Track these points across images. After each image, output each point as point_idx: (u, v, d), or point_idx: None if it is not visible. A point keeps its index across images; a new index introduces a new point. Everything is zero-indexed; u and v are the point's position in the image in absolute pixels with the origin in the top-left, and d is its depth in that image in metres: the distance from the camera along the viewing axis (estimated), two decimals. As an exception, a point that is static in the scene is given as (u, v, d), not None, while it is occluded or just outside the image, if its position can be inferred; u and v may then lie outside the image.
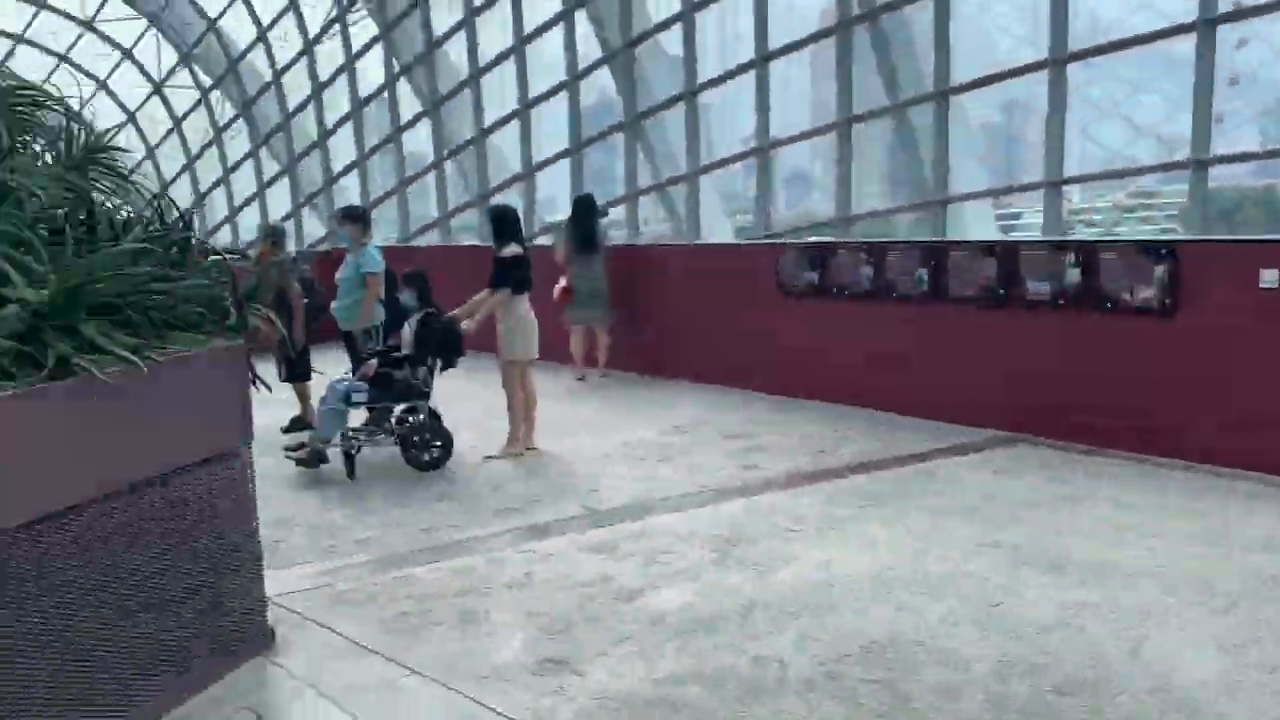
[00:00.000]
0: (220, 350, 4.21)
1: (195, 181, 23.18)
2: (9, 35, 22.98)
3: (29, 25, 23.07)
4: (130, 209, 4.94)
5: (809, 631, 4.41)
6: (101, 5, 22.50)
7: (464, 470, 7.40)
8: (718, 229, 12.65)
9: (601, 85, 14.62)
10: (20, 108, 5.14)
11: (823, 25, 11.28)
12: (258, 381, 4.56)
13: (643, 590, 4.92)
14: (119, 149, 5.41)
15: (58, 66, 23.40)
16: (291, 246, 17.07)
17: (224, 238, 22.37)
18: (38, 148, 5.16)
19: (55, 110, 5.42)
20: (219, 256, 4.64)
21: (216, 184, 22.59)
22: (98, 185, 5.10)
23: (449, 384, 8.04)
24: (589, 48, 13.83)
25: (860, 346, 8.98)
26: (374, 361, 7.58)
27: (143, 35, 22.75)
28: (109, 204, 4.93)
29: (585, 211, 10.99)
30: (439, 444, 7.47)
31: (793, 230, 12.84)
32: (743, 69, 11.62)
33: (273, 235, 8.99)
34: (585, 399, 10.06)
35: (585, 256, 10.86)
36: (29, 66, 23.26)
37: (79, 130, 5.28)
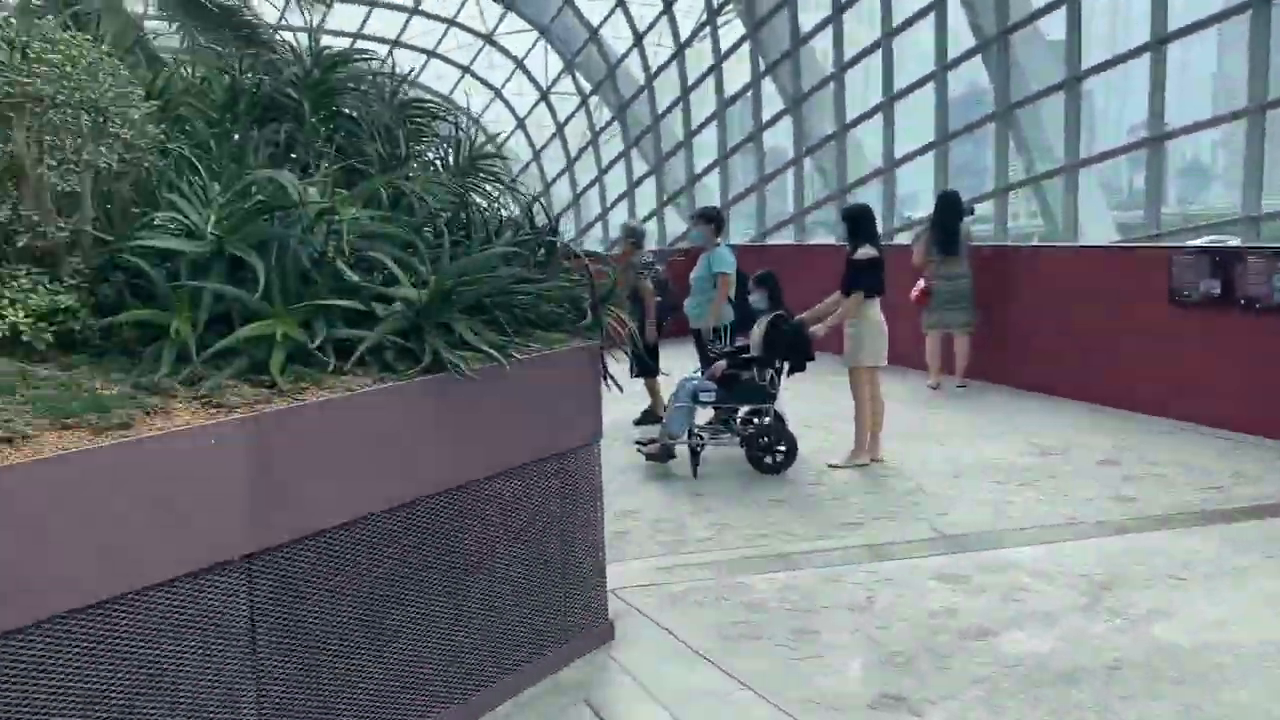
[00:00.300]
0: (577, 349, 4.35)
1: (573, 182, 24.79)
2: (423, 50, 25.75)
3: (439, 41, 25.69)
4: (506, 212, 5.26)
5: (1195, 702, 3.82)
6: (500, 20, 24.55)
7: (806, 476, 7.25)
8: (1098, 226, 11.53)
9: (971, 76, 13.85)
10: (418, 118, 5.64)
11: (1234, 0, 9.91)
12: (609, 380, 4.68)
13: (995, 630, 4.52)
14: (499, 155, 5.80)
15: (462, 77, 25.94)
16: (653, 245, 17.79)
17: (596, 234, 23.76)
18: (431, 155, 5.63)
19: (447, 120, 5.90)
20: (580, 259, 4.82)
21: (591, 184, 24.00)
22: (481, 190, 5.49)
23: (794, 385, 7.91)
24: (960, 36, 13.13)
25: (1270, 368, 7.78)
26: (722, 362, 7.61)
27: (533, 46, 24.58)
28: (491, 206, 5.27)
29: (948, 209, 10.36)
30: (783, 448, 7.37)
31: (1187, 229, 11.46)
32: (1135, 53, 10.49)
33: (633, 236, 9.30)
34: (939, 409, 9.53)
35: (946, 257, 10.28)
36: (438, 78, 26.06)
37: (466, 139, 5.70)
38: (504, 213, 5.14)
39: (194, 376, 3.34)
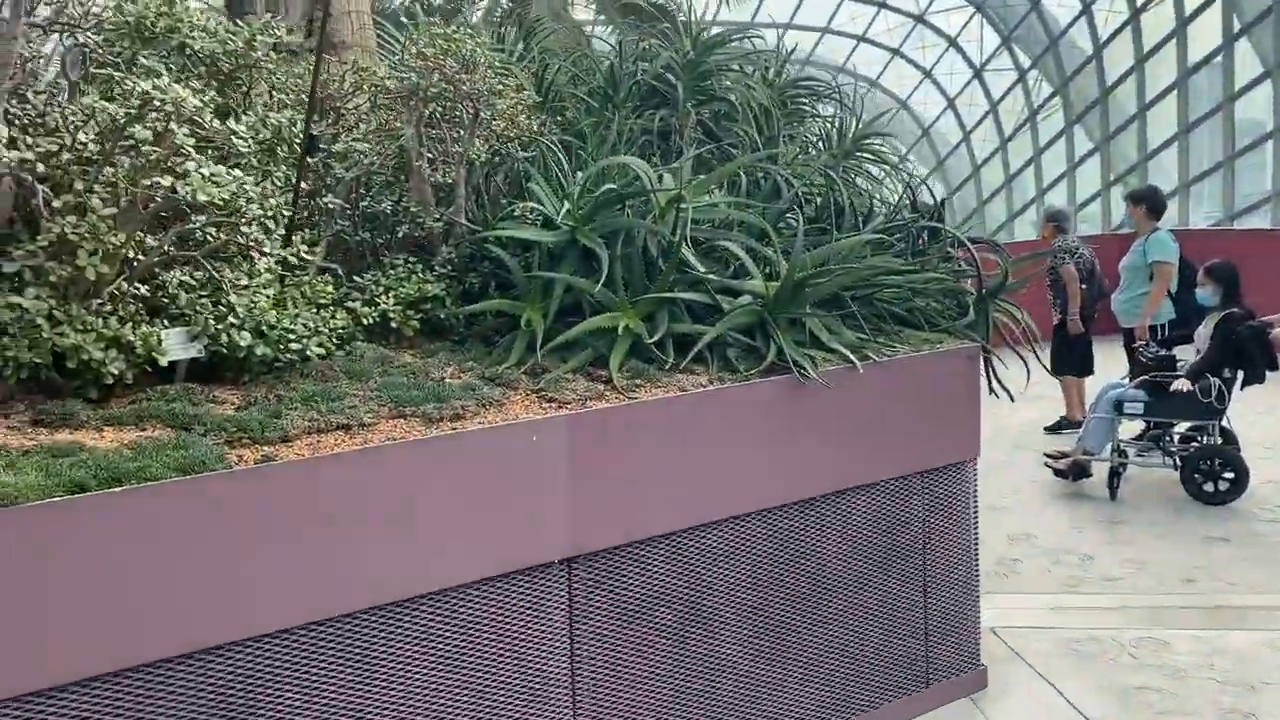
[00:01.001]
0: (952, 351, 3.81)
1: (1006, 164, 23.24)
2: (851, 36, 25.42)
3: (869, 25, 25.22)
4: (895, 196, 4.81)
5: None
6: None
7: (1259, 512, 5.96)
8: None
9: None
10: (800, 99, 5.32)
11: None
12: (995, 386, 4.08)
13: None
14: (885, 134, 5.33)
15: (891, 60, 25.30)
16: (1095, 230, 16.06)
17: (1029, 217, 22.12)
18: (812, 136, 5.30)
19: (833, 100, 5.52)
20: (967, 246, 4.25)
21: (1025, 165, 22.34)
22: (864, 171, 5.09)
23: (1251, 399, 6.58)
24: None
25: None
26: (1182, 382, 6.34)
27: (967, 23, 23.35)
28: (872, 190, 4.86)
29: None
30: (1230, 474, 6.12)
31: None
32: None
33: (1056, 219, 8.30)
34: None
35: None
36: (867, 62, 25.65)
37: (852, 118, 5.29)
38: (890, 196, 4.69)
39: (538, 368, 3.29)
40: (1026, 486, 6.52)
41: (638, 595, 3.10)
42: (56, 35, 3.20)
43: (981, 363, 4.03)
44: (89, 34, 3.18)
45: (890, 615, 3.66)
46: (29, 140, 2.76)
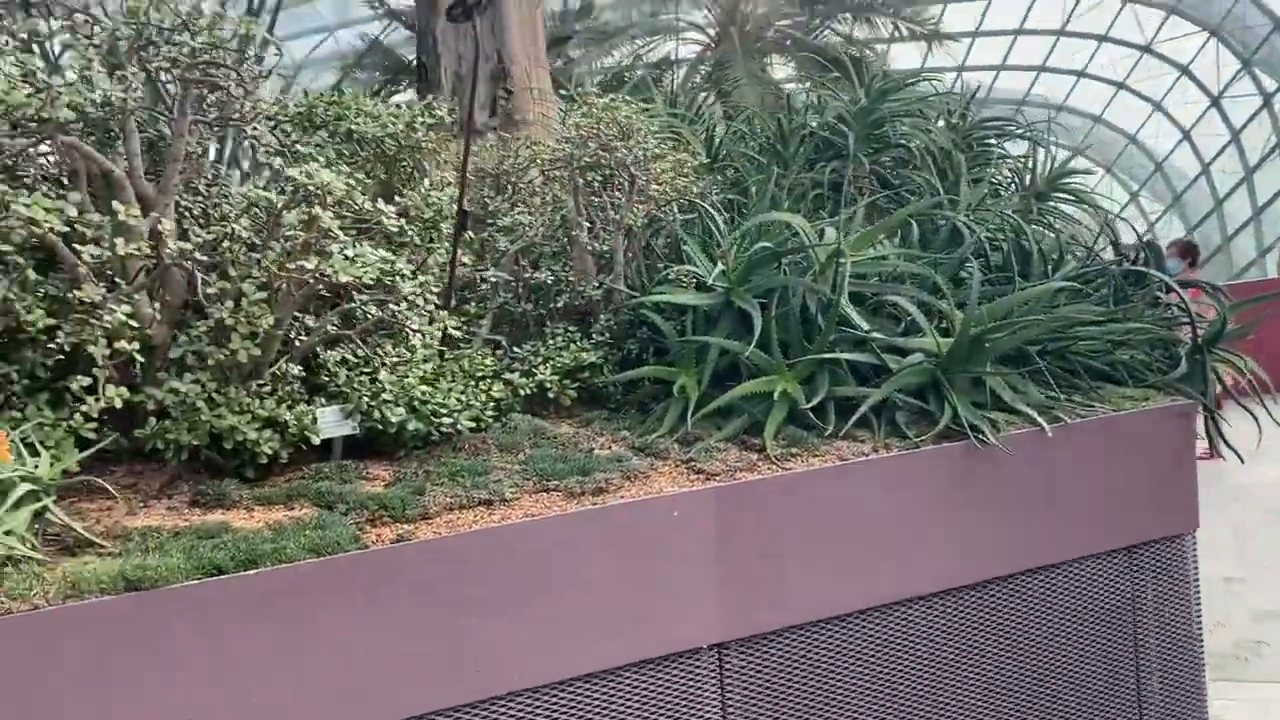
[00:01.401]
0: (1161, 410, 3.38)
1: (1253, 195, 21.36)
2: (1070, 72, 24.30)
3: (1089, 60, 24.06)
4: (1080, 241, 4.40)
5: None
6: (1159, 27, 22.26)
7: None
8: None
9: None
10: (986, 139, 5.00)
11: None
12: (1219, 446, 3.60)
13: None
14: (1081, 171, 4.92)
15: (1115, 94, 23.97)
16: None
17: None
18: (1003, 179, 4.96)
19: (1028, 138, 5.15)
20: (1176, 291, 3.80)
21: (1275, 196, 20.45)
22: (1062, 214, 4.71)
23: None
24: None
25: None
26: None
27: (1201, 49, 21.86)
28: (1069, 233, 4.48)
29: None
30: None
31: None
32: None
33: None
34: None
35: None
36: (1089, 98, 24.43)
37: (1047, 157, 4.92)
38: (1072, 241, 4.30)
39: (690, 436, 3.15)
40: (1274, 556, 5.73)
41: (800, 684, 2.86)
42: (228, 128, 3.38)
43: (1202, 420, 3.57)
44: (257, 125, 3.34)
45: (1096, 711, 3.22)
46: (196, 230, 2.90)
